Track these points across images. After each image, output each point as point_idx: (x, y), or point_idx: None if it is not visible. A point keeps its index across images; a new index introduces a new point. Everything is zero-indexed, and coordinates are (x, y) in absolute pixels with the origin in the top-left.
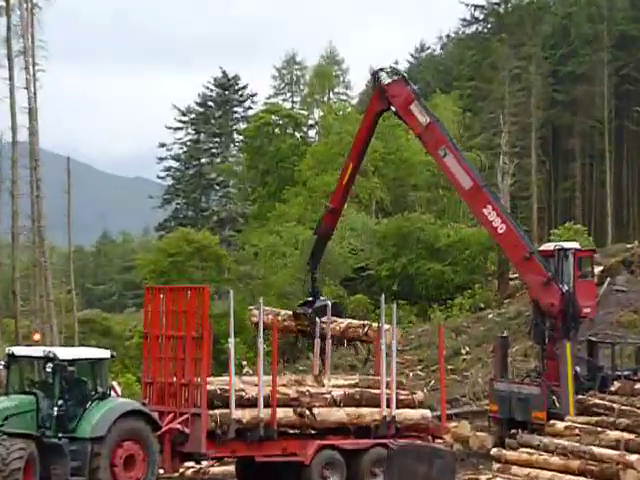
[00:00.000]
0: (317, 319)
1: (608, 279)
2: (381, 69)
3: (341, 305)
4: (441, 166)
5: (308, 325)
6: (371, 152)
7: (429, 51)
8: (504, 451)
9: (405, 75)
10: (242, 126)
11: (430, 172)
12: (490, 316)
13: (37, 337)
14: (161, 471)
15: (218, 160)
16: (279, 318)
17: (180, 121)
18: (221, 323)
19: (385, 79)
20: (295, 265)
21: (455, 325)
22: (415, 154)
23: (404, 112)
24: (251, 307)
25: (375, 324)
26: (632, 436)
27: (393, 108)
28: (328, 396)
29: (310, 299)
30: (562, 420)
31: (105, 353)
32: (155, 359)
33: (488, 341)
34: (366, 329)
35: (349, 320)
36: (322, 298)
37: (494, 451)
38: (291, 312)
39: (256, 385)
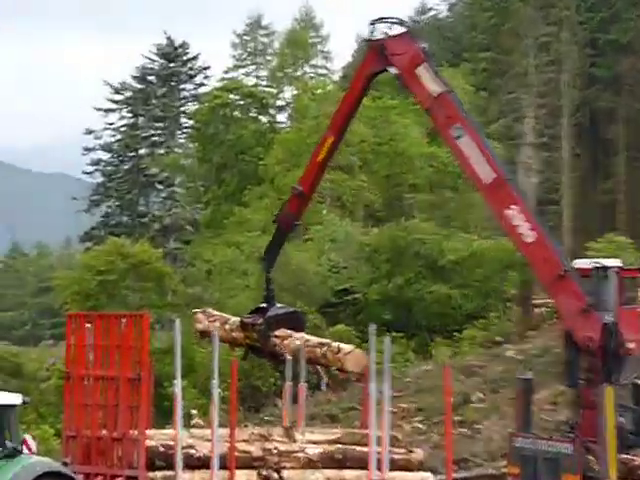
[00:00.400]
0: (268, 332)
1: None
2: (382, 18)
3: (302, 315)
4: (454, 150)
5: (258, 338)
6: (358, 142)
7: (433, 13)
8: None
9: (412, 29)
10: (192, 108)
11: (433, 168)
12: (509, 353)
13: None
14: None
15: (161, 151)
16: (227, 327)
17: (112, 101)
18: (164, 361)
19: (386, 31)
20: (259, 286)
21: (465, 364)
22: (414, 145)
23: (409, 76)
24: (196, 310)
25: (336, 344)
26: None
27: (394, 70)
28: (302, 455)
29: (263, 305)
30: None
31: (15, 398)
32: (79, 406)
33: (506, 385)
34: (324, 349)
35: (306, 336)
36: (278, 305)
37: None
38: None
39: (209, 440)
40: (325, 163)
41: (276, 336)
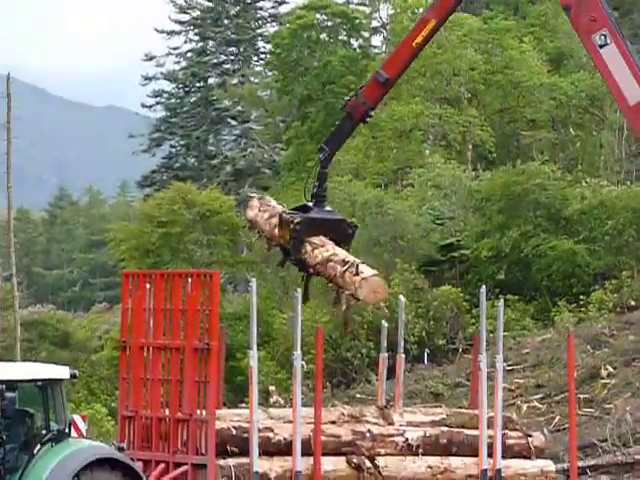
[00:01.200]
0: (303, 235)
1: None
2: None
3: (352, 227)
4: (596, 62)
5: (290, 240)
6: (466, 70)
7: None
8: None
9: None
10: (271, 30)
11: (555, 101)
12: None
13: None
14: None
15: (234, 81)
16: (273, 221)
17: (177, 22)
18: (238, 328)
19: None
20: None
21: (592, 333)
22: (533, 74)
23: None
24: (252, 194)
25: (362, 267)
26: None
27: None
28: (400, 439)
29: (309, 204)
30: None
31: (62, 372)
32: (138, 382)
33: None
34: (345, 269)
35: (334, 249)
36: (327, 209)
37: None
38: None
39: (290, 422)
40: (420, 49)
41: (310, 242)
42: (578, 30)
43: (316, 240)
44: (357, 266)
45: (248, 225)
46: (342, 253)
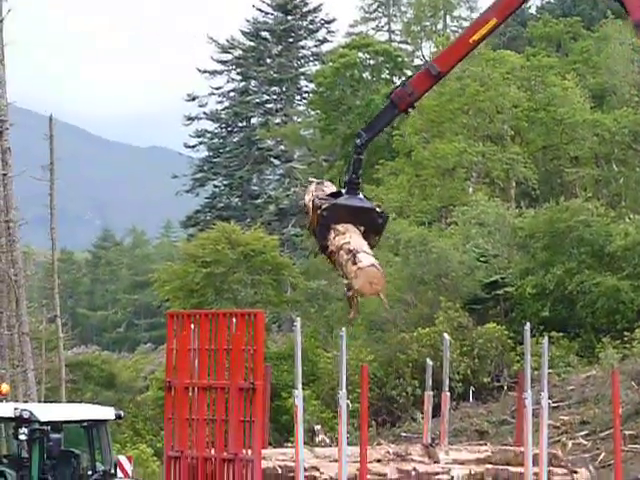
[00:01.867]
0: (329, 221)
1: None
2: None
3: (383, 216)
4: None
5: (317, 225)
6: (510, 107)
7: None
8: None
9: None
10: (313, 69)
11: (599, 137)
12: None
13: (5, 388)
14: None
15: (277, 120)
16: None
17: (219, 62)
18: (282, 367)
19: None
20: (395, 279)
21: (637, 369)
22: (576, 110)
23: None
24: (312, 179)
25: (361, 256)
26: None
27: None
28: (446, 477)
29: (341, 190)
30: None
31: (107, 413)
32: (183, 422)
33: None
34: (348, 257)
35: (353, 239)
36: (360, 196)
37: None
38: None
39: (336, 461)
40: (476, 46)
41: (334, 229)
42: None
43: (340, 227)
44: (355, 255)
45: (305, 210)
46: (357, 242)
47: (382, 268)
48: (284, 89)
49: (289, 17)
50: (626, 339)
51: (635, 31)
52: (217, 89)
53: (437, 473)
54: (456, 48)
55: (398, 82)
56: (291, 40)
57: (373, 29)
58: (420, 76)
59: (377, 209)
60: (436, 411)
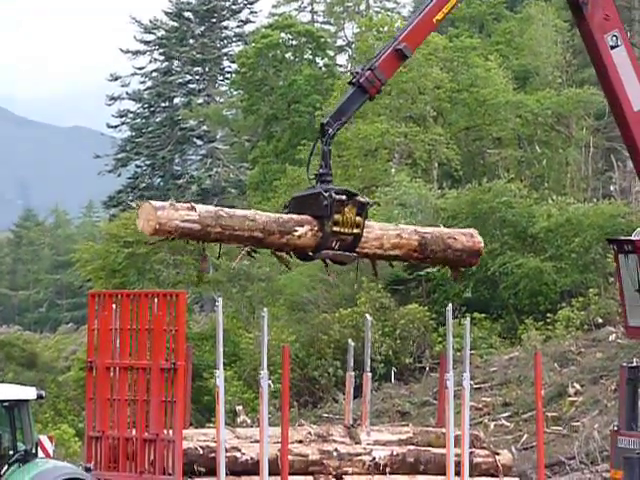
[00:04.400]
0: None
1: None
2: None
3: (328, 197)
4: (605, 63)
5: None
6: (432, 88)
7: None
8: None
9: None
10: (236, 49)
11: (521, 119)
12: (612, 337)
13: None
14: None
15: (200, 101)
16: None
17: (142, 41)
18: (204, 348)
19: None
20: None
21: (560, 351)
22: (499, 91)
23: None
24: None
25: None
26: None
27: None
28: (367, 458)
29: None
30: None
31: (28, 392)
32: (104, 402)
33: (609, 375)
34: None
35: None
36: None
37: None
38: None
39: (257, 442)
40: (438, 25)
41: None
42: (590, 28)
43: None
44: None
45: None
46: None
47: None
48: (207, 69)
49: None
50: (549, 321)
51: (575, 15)
52: (140, 69)
53: (359, 454)
54: (420, 27)
55: (321, 63)
56: (214, 20)
57: (296, 10)
58: (387, 58)
59: (324, 191)
60: (358, 392)
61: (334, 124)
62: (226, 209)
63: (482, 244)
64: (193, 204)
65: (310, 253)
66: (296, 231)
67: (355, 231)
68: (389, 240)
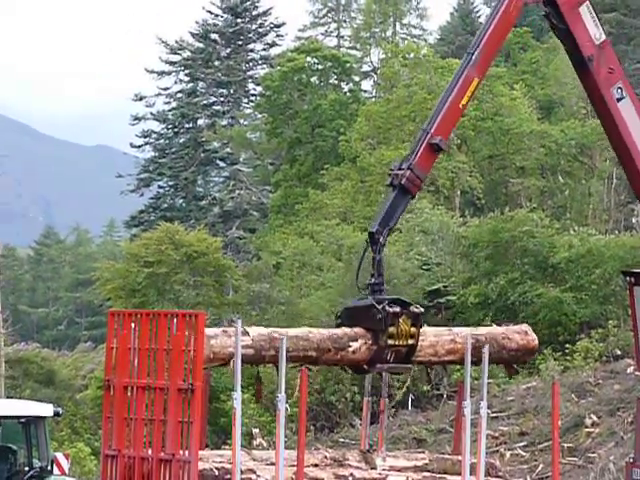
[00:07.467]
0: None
1: None
2: None
3: (382, 311)
4: (613, 115)
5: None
6: None
7: None
8: None
9: None
10: (261, 72)
11: (545, 149)
12: (630, 369)
13: None
14: None
15: (224, 123)
16: None
17: (167, 62)
18: (222, 370)
19: None
20: (337, 284)
21: (577, 382)
22: (523, 121)
23: (570, 14)
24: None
25: None
26: None
27: (545, 7)
28: None
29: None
30: None
31: (45, 410)
32: (121, 421)
33: (626, 407)
34: None
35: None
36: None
37: None
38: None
39: (273, 464)
40: (465, 109)
41: None
42: (597, 82)
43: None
44: None
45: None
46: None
47: None
48: (232, 91)
49: (238, 20)
50: (567, 351)
51: (579, 69)
52: (165, 90)
53: (374, 479)
54: (449, 116)
55: (345, 88)
56: (240, 43)
57: (322, 34)
58: (424, 155)
59: (379, 303)
60: (375, 418)
61: (383, 231)
62: (280, 330)
63: (536, 341)
64: (246, 328)
65: (365, 367)
66: (350, 346)
67: (410, 342)
68: (443, 346)
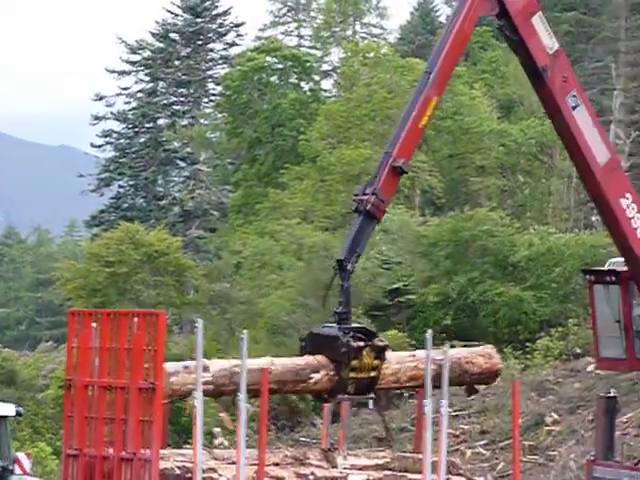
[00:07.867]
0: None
1: None
2: None
3: (347, 345)
4: (569, 123)
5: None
6: None
7: None
8: None
9: None
10: (221, 72)
11: (505, 148)
12: (590, 367)
13: None
14: None
15: (184, 122)
16: None
17: (127, 62)
18: None
19: None
20: (297, 284)
21: (538, 380)
22: (483, 120)
23: (523, 25)
24: None
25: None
26: None
27: (498, 20)
28: None
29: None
30: None
31: (7, 409)
32: (82, 420)
33: (586, 405)
34: None
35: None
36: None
37: None
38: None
39: (234, 463)
40: (425, 130)
41: None
42: (552, 91)
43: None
44: None
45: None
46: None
47: None
48: (192, 91)
49: (198, 19)
50: (527, 350)
51: (534, 80)
52: (125, 89)
53: (335, 478)
54: (410, 138)
55: (305, 87)
56: (200, 42)
57: (282, 34)
58: (387, 179)
59: (343, 336)
60: (336, 417)
61: (351, 258)
62: (239, 362)
63: (500, 365)
64: (206, 362)
65: (325, 396)
66: (311, 378)
67: (372, 374)
68: (405, 373)
